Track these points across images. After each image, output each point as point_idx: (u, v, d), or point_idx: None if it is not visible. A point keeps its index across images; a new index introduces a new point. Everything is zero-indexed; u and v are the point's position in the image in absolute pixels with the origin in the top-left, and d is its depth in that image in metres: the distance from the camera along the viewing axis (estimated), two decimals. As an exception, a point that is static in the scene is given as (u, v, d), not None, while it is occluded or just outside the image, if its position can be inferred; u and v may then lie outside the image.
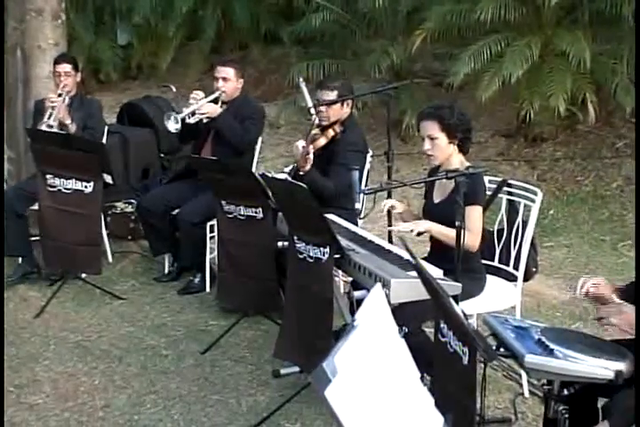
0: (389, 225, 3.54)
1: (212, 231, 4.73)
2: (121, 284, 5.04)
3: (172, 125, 4.73)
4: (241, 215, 4.05)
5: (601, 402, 2.67)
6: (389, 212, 3.60)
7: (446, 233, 3.29)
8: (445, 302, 2.41)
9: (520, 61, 6.23)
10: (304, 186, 3.13)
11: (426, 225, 3.39)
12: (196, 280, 4.86)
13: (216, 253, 4.48)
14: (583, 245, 5.85)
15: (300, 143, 4.24)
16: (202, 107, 4.73)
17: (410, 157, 6.98)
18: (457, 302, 2.92)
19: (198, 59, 9.26)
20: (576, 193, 6.58)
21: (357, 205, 3.25)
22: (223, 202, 4.11)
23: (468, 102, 6.80)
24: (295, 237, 3.40)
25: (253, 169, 4.93)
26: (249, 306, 4.25)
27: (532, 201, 3.81)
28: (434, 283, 2.50)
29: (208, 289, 4.85)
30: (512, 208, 3.91)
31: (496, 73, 6.30)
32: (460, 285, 3.05)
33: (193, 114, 4.74)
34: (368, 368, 1.69)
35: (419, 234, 3.36)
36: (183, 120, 4.72)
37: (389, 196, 3.70)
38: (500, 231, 3.90)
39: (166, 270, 5.12)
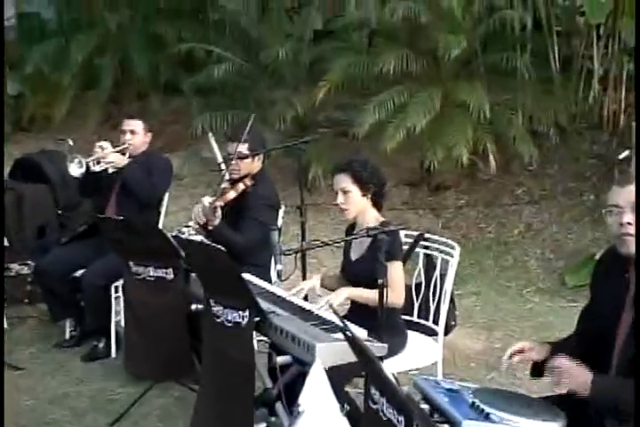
0: (305, 299, 3.48)
1: (116, 292, 4.52)
2: (18, 352, 4.72)
3: (76, 170, 4.56)
4: (150, 276, 3.88)
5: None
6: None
7: (367, 296, 3.29)
8: (376, 368, 2.33)
9: (423, 112, 6.37)
10: (222, 248, 3.00)
11: (343, 295, 3.37)
12: (101, 345, 4.61)
13: (122, 315, 4.26)
14: (490, 293, 5.94)
15: (206, 199, 4.12)
16: (108, 155, 4.58)
17: (316, 208, 6.94)
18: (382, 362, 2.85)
19: (95, 109, 9.01)
20: (480, 240, 6.70)
21: (279, 267, 3.16)
22: (131, 263, 3.92)
23: (371, 152, 6.85)
24: (211, 301, 3.25)
25: (160, 224, 4.78)
26: (159, 372, 4.03)
27: (449, 255, 3.81)
28: (364, 348, 2.41)
29: (114, 354, 4.61)
30: (429, 262, 3.91)
31: (400, 124, 6.40)
32: (385, 345, 3.01)
33: (98, 162, 4.58)
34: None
35: None
36: (88, 166, 4.54)
37: (304, 256, 3.64)
38: (418, 285, 3.88)
39: (67, 336, 4.84)
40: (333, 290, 3.47)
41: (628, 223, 2.45)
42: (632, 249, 2.49)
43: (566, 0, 7.89)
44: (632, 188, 2.49)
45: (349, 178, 3.44)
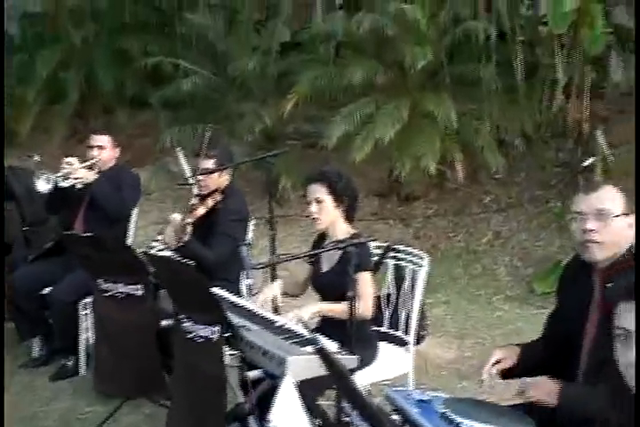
0: (275, 312, 3.47)
1: (85, 309, 4.46)
2: (-16, 373, 4.65)
3: (43, 186, 4.55)
4: (119, 293, 3.81)
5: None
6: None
7: (337, 309, 3.28)
8: (347, 381, 2.32)
9: (390, 123, 6.40)
10: (191, 264, 2.99)
11: (313, 309, 3.36)
12: (70, 363, 4.54)
13: (91, 333, 4.21)
14: (461, 301, 5.97)
15: (177, 216, 4.10)
16: (76, 171, 4.54)
17: (285, 220, 6.94)
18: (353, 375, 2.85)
19: (60, 124, 8.93)
20: (450, 249, 6.74)
21: (249, 281, 3.15)
22: (99, 280, 3.87)
23: (340, 163, 6.87)
24: (181, 316, 3.22)
25: (129, 240, 4.74)
26: (130, 389, 3.97)
27: (419, 265, 3.82)
28: (335, 362, 2.41)
29: (84, 372, 4.55)
30: (398, 273, 3.91)
31: (368, 135, 6.43)
32: (356, 358, 3.00)
33: (66, 178, 4.55)
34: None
35: None
36: (56, 182, 4.51)
37: (273, 269, 3.62)
38: (388, 296, 3.89)
39: (35, 355, 4.75)
40: (296, 296, 3.46)
41: (591, 230, 2.49)
42: (595, 256, 2.52)
43: (529, 10, 8.00)
44: (596, 195, 2.53)
45: (324, 188, 3.43)
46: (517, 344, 2.81)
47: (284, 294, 3.60)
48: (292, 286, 3.75)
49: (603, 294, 2.52)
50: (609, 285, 2.48)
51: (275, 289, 3.52)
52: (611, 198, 2.52)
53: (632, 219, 2.53)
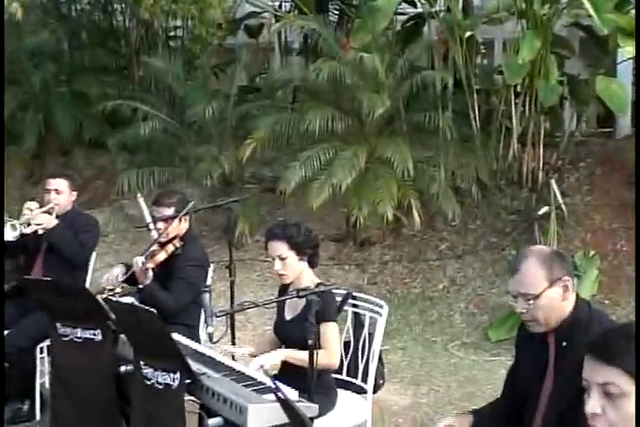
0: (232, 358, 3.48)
1: (41, 353, 4.39)
2: None
3: (10, 233, 4.49)
4: (78, 338, 3.76)
5: None
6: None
7: (301, 357, 3.26)
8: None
9: (348, 169, 6.46)
10: (153, 310, 2.98)
11: (279, 356, 3.37)
12: (25, 408, 4.45)
13: (47, 378, 4.14)
14: (417, 347, 5.98)
15: (140, 259, 4.10)
16: (36, 217, 4.52)
17: (243, 264, 6.92)
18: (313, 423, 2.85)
19: (18, 166, 8.83)
20: (406, 295, 6.74)
21: (210, 329, 3.14)
22: (58, 324, 3.82)
23: (297, 208, 6.92)
24: (142, 362, 3.20)
25: (87, 284, 4.70)
26: (86, 436, 3.91)
27: (378, 313, 3.85)
28: (296, 410, 2.41)
29: (38, 417, 4.45)
30: (357, 320, 3.93)
31: (326, 181, 6.47)
32: (316, 406, 3.00)
33: (28, 224, 4.52)
34: None
35: None
36: (20, 229, 4.49)
37: (232, 316, 3.63)
38: (347, 344, 3.90)
39: (-12, 400, 4.66)
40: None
41: (521, 312, 2.53)
42: (535, 330, 2.55)
43: (485, 59, 8.20)
44: (517, 277, 2.53)
45: (285, 245, 3.45)
46: (471, 411, 2.81)
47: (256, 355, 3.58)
48: (265, 346, 3.74)
49: (557, 352, 2.55)
50: (564, 344, 2.52)
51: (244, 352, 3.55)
52: (529, 278, 2.50)
53: (561, 284, 2.50)
